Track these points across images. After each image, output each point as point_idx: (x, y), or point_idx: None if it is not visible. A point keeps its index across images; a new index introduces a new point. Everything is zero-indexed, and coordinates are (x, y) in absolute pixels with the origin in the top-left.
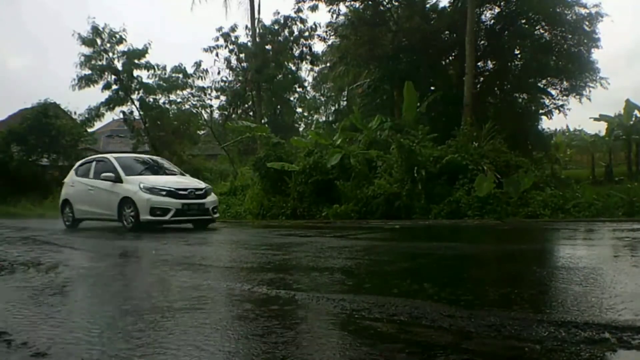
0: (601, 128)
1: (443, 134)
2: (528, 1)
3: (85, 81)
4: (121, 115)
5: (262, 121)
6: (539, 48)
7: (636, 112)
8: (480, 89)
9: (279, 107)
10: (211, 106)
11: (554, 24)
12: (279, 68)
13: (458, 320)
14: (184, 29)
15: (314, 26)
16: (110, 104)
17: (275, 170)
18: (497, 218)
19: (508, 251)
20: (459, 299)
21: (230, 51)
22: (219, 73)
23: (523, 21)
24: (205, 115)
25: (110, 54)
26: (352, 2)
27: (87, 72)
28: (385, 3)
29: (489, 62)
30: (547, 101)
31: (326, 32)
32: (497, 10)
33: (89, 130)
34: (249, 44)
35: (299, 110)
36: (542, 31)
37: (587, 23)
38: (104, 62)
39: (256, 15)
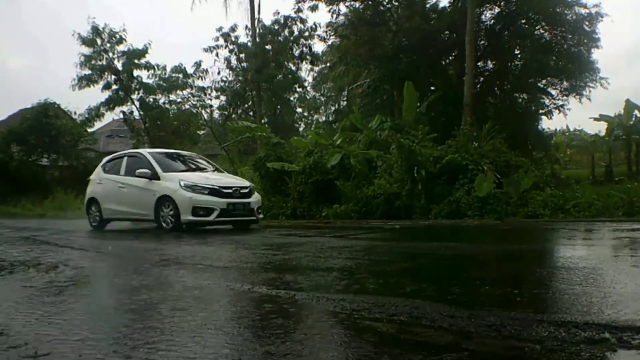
0: (601, 128)
1: (443, 134)
2: (528, 1)
3: (85, 81)
4: (121, 115)
5: (262, 121)
6: (539, 48)
7: (636, 112)
8: (480, 89)
9: (279, 107)
10: (211, 106)
11: (554, 24)
12: (279, 68)
13: (458, 320)
14: (184, 29)
15: (314, 26)
16: (110, 104)
17: (275, 170)
18: (497, 218)
19: (508, 251)
20: (459, 299)
21: (230, 51)
22: (219, 73)
23: (523, 21)
24: (205, 115)
25: (110, 54)
26: (352, 2)
27: (87, 72)
28: (385, 3)
29: (489, 62)
30: (547, 101)
31: (326, 32)
32: (497, 10)
33: (89, 130)
34: (249, 44)
35: (299, 110)
36: (542, 31)
37: (587, 23)
38: (104, 62)
39: (256, 15)
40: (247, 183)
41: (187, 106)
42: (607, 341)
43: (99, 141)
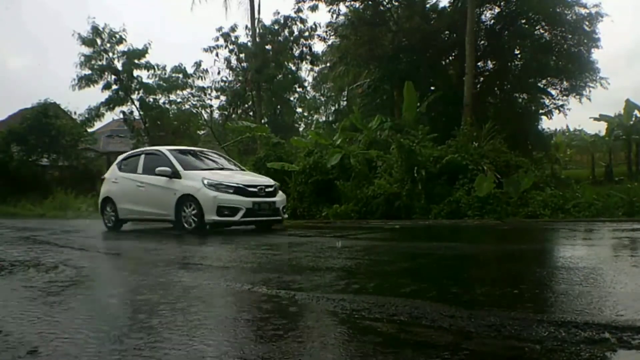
0: (601, 128)
1: (443, 134)
2: (528, 1)
3: (85, 81)
4: (121, 115)
5: (262, 121)
6: (539, 48)
7: (636, 112)
8: (480, 89)
9: (279, 107)
10: (211, 106)
11: (554, 24)
12: (279, 68)
13: (458, 320)
14: (184, 29)
15: (314, 26)
16: (110, 104)
17: (275, 170)
18: (497, 218)
19: (508, 251)
20: (459, 299)
21: (230, 51)
22: (219, 73)
23: (523, 21)
24: (205, 115)
25: (110, 54)
26: (352, 2)
27: (87, 72)
28: (385, 3)
29: (489, 62)
30: (547, 101)
31: (326, 32)
32: (497, 10)
33: (89, 130)
34: (249, 44)
35: (299, 110)
36: (542, 31)
37: (587, 23)
38: (104, 62)
39: (256, 15)
40: (272, 181)
41: (187, 106)
42: (607, 341)
43: (99, 141)
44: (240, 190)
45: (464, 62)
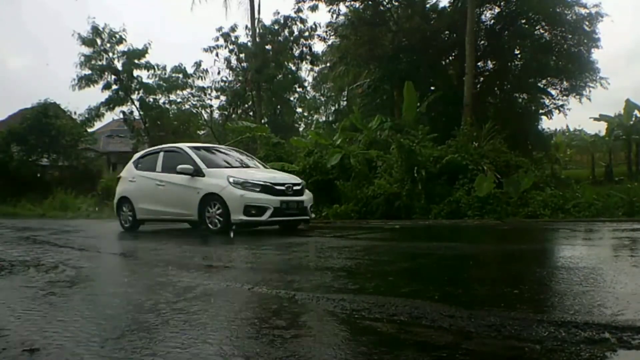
0: (601, 128)
1: (443, 134)
2: (528, 1)
3: (85, 81)
4: (121, 115)
5: (262, 121)
6: (539, 48)
7: (636, 112)
8: (480, 89)
9: (279, 107)
10: (211, 106)
11: (554, 24)
12: (279, 68)
13: (458, 320)
14: (184, 29)
15: (314, 26)
16: (110, 104)
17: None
18: (497, 218)
19: (508, 251)
20: (459, 299)
21: (230, 51)
22: (219, 73)
23: (523, 21)
24: (205, 115)
25: (110, 54)
26: (352, 2)
27: (87, 72)
28: (385, 3)
29: (489, 62)
30: (547, 101)
31: (326, 32)
32: (497, 10)
33: (89, 130)
34: (249, 44)
35: (299, 110)
36: (542, 31)
37: (587, 23)
38: (104, 62)
39: (256, 15)
40: (299, 180)
41: (187, 106)
42: (607, 341)
43: (99, 141)
44: (267, 188)
45: (464, 62)
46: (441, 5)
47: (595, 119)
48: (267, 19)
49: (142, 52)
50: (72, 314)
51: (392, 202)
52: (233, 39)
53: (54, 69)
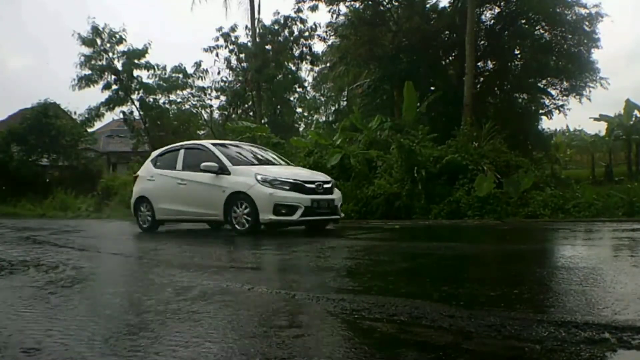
0: (601, 128)
1: (443, 134)
2: (528, 1)
3: (85, 81)
4: (121, 115)
5: (262, 121)
6: (539, 48)
7: (636, 112)
8: (480, 89)
9: (279, 107)
10: (211, 106)
11: (554, 24)
12: (279, 68)
13: (458, 320)
14: (184, 29)
15: (314, 26)
16: (110, 104)
17: None
18: (497, 218)
19: (508, 251)
20: (459, 299)
21: (230, 51)
22: (219, 73)
23: (523, 21)
24: (205, 115)
25: (110, 54)
26: (352, 2)
27: (87, 72)
28: (385, 3)
29: (489, 62)
30: (547, 101)
31: (326, 32)
32: (497, 10)
33: (89, 130)
34: (249, 44)
35: (299, 110)
36: (542, 31)
37: (587, 23)
38: (104, 62)
39: (256, 15)
40: (328, 177)
41: (187, 106)
42: (607, 341)
43: (99, 141)
44: (297, 186)
45: (464, 62)
46: (441, 5)
47: (595, 119)
48: (267, 19)
49: (142, 52)
50: (73, 314)
51: (392, 202)
52: (233, 39)
53: (54, 69)
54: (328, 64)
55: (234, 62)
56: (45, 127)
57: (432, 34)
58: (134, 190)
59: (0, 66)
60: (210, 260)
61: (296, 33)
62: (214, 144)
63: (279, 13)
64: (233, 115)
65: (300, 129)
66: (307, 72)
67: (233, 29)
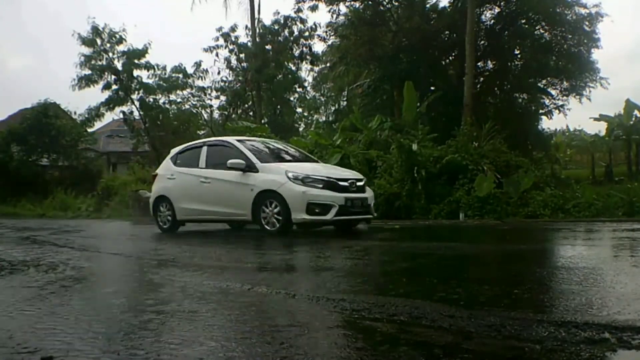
0: (601, 128)
1: (443, 134)
2: (528, 1)
3: (85, 81)
4: (121, 115)
5: (262, 121)
6: (539, 48)
7: (636, 112)
8: (480, 89)
9: (279, 107)
10: (211, 106)
11: (554, 24)
12: (279, 68)
13: (458, 320)
14: (184, 29)
15: (314, 26)
16: (110, 104)
17: None
18: (497, 218)
19: (508, 251)
20: (459, 299)
21: (230, 51)
22: (219, 73)
23: (523, 21)
24: (205, 115)
25: (110, 54)
26: (352, 2)
27: (87, 72)
28: (385, 3)
29: (489, 62)
30: (547, 101)
31: (326, 32)
32: (497, 10)
33: (89, 130)
34: (249, 44)
35: (299, 110)
36: (542, 31)
37: (587, 23)
38: (104, 62)
39: (256, 15)
40: (360, 175)
41: (187, 106)
42: (607, 341)
43: (99, 141)
44: (330, 184)
45: (464, 62)
46: (441, 5)
47: (595, 119)
48: (267, 19)
49: (142, 52)
50: (73, 314)
51: (392, 202)
52: (233, 39)
53: (54, 69)
54: (328, 64)
55: (234, 62)
56: (45, 127)
57: (432, 34)
58: (152, 190)
59: (0, 66)
60: (210, 260)
61: (296, 33)
62: (239, 140)
63: (279, 13)
64: (233, 115)
65: (300, 129)
66: (307, 72)
67: (233, 29)
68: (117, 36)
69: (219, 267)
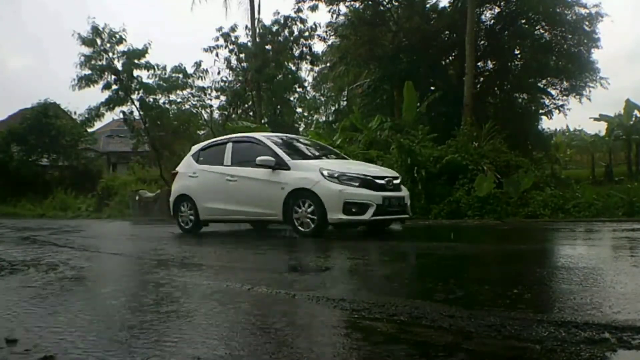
0: (601, 128)
1: (443, 134)
2: (528, 1)
3: (85, 81)
4: (121, 115)
5: (262, 121)
6: (539, 48)
7: (636, 112)
8: (480, 89)
9: (279, 107)
10: (211, 106)
11: (554, 24)
12: (279, 68)
13: (458, 320)
14: (184, 29)
15: (314, 26)
16: (110, 104)
17: None
18: (497, 218)
19: (508, 251)
20: (459, 299)
21: (230, 51)
22: (219, 73)
23: (523, 21)
24: (205, 115)
25: (110, 54)
26: (352, 2)
27: (87, 72)
28: (385, 3)
29: (489, 62)
30: (547, 101)
31: (326, 32)
32: (497, 10)
33: (89, 130)
34: (249, 44)
35: (299, 110)
36: (542, 31)
37: (587, 23)
38: (104, 62)
39: (256, 15)
40: (395, 173)
41: (187, 106)
42: (607, 341)
43: (99, 141)
44: (367, 182)
45: (464, 62)
46: (441, 5)
47: (595, 119)
48: (267, 19)
49: (142, 52)
50: (73, 314)
51: None
52: (233, 39)
53: (54, 69)
54: (328, 64)
55: (234, 62)
56: (45, 127)
57: (432, 34)
58: (173, 188)
59: (0, 66)
60: (210, 260)
61: (296, 33)
62: (267, 137)
63: (279, 13)
64: (233, 115)
65: (300, 129)
66: (307, 72)
67: (233, 29)
68: (117, 36)
69: (219, 267)
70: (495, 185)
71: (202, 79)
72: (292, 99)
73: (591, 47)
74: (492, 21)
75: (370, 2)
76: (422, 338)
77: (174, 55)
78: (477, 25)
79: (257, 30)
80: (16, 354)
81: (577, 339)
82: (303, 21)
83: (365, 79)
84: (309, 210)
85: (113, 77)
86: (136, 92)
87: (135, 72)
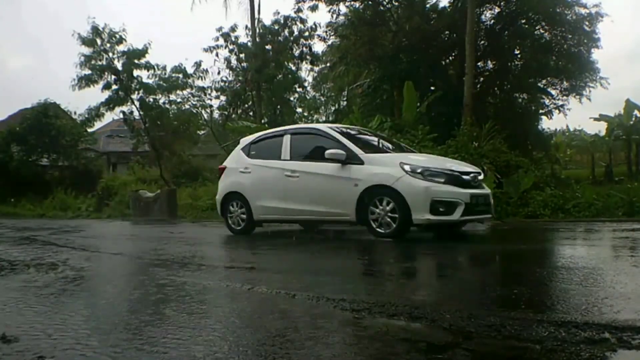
0: (601, 128)
1: (443, 134)
2: (528, 1)
3: (85, 81)
4: (121, 115)
5: (262, 121)
6: (539, 48)
7: (636, 112)
8: (480, 89)
9: (279, 107)
10: (211, 106)
11: (554, 24)
12: (279, 68)
13: (458, 320)
14: (184, 29)
15: (314, 26)
16: (110, 104)
17: None
18: (497, 218)
19: (508, 251)
20: (459, 299)
21: (230, 51)
22: (219, 73)
23: (523, 21)
24: (205, 115)
25: (110, 54)
26: (352, 2)
27: (87, 72)
28: (385, 3)
29: (489, 62)
30: (547, 101)
31: (326, 32)
32: (497, 10)
33: (89, 130)
34: (249, 44)
35: (299, 110)
36: (542, 31)
37: (587, 23)
38: (104, 62)
39: (256, 15)
40: (478, 168)
41: (187, 106)
42: (607, 341)
43: (99, 141)
44: (453, 178)
45: (464, 62)
46: (441, 5)
47: (595, 119)
48: (267, 19)
49: (142, 52)
50: (72, 314)
51: None
52: (233, 39)
53: (54, 69)
54: (328, 64)
55: (234, 62)
56: (45, 127)
57: (432, 34)
58: (220, 186)
59: (0, 66)
60: (210, 260)
61: (296, 33)
62: (332, 128)
63: (279, 13)
64: (233, 115)
65: None
66: (307, 72)
67: (233, 29)
68: (117, 36)
69: (219, 267)
70: (495, 185)
71: (202, 79)
72: (292, 99)
73: (591, 47)
74: (492, 21)
75: (370, 2)
76: (422, 338)
77: (174, 55)
78: (477, 25)
79: (257, 30)
80: (15, 353)
81: (577, 339)
82: (303, 21)
83: (365, 79)
84: (388, 209)
85: (113, 77)
86: (136, 92)
87: (135, 72)
